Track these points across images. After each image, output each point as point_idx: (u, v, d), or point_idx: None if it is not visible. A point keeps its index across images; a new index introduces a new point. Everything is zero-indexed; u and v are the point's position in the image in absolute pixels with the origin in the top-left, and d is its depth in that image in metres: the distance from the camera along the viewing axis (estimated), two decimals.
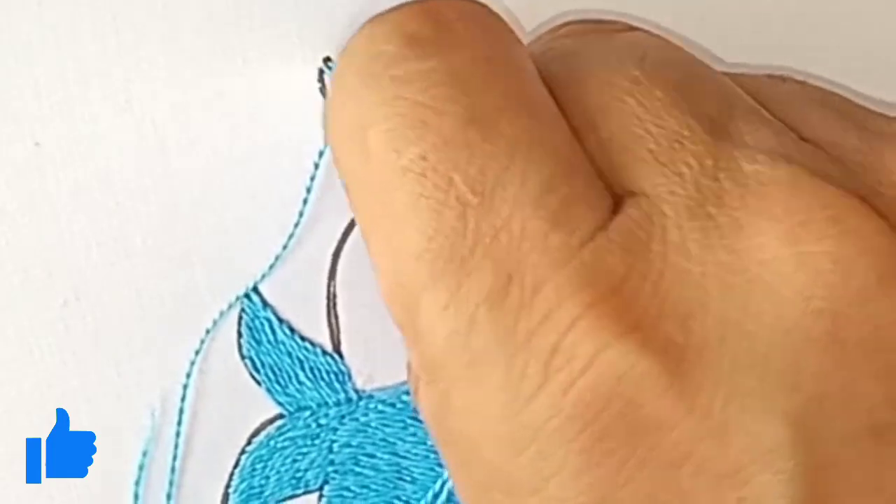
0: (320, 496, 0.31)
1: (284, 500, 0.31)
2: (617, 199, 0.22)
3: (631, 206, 0.21)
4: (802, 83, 0.25)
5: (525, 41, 0.26)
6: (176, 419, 0.30)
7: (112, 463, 0.30)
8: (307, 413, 0.30)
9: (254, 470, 0.30)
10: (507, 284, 0.21)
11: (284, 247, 0.29)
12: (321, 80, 0.29)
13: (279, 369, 0.30)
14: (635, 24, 0.26)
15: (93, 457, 0.30)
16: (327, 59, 0.29)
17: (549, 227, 0.21)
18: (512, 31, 0.24)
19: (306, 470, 0.30)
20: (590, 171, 0.22)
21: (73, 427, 0.29)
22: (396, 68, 0.22)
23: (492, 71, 0.22)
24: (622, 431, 0.20)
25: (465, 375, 0.21)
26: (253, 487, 0.30)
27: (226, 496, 0.30)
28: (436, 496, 0.31)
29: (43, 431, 0.29)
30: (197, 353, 0.29)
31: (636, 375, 0.20)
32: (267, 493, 0.30)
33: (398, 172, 0.22)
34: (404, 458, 0.31)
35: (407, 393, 0.31)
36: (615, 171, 0.22)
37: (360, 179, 0.23)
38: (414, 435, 0.31)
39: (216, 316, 0.29)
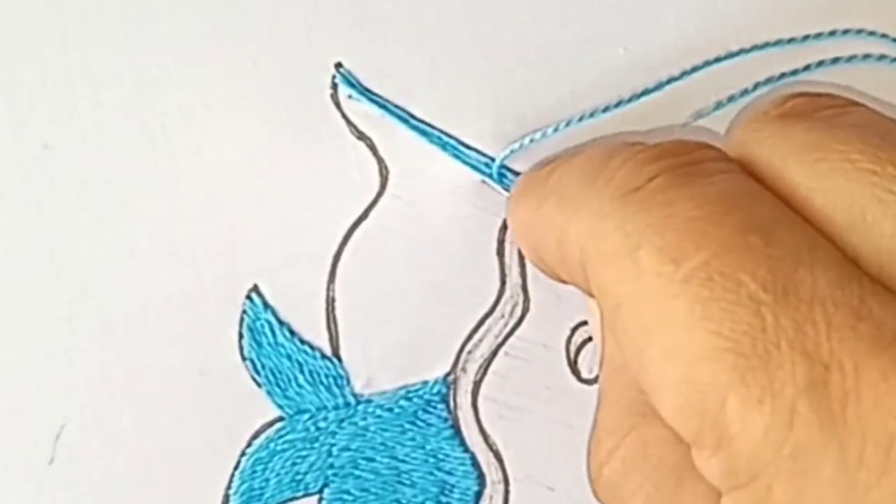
0: (320, 499, 0.31)
1: (284, 502, 0.31)
2: None
3: None
4: None
5: None
6: (180, 418, 0.30)
7: (112, 461, 0.30)
8: (306, 416, 0.31)
9: (254, 472, 0.30)
10: (825, 373, 0.21)
11: None
12: (333, 87, 0.30)
13: (279, 372, 0.30)
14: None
15: (96, 453, 0.30)
16: (338, 65, 0.30)
17: (856, 320, 0.21)
18: None
19: (306, 473, 0.31)
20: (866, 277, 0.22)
21: (77, 424, 0.30)
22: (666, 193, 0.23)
23: (752, 189, 0.23)
24: None
25: (791, 469, 0.21)
26: (253, 489, 0.31)
27: (226, 498, 0.30)
28: (435, 501, 0.31)
29: (48, 429, 0.30)
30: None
31: None
32: (267, 496, 0.31)
33: (679, 282, 0.22)
34: (403, 462, 0.31)
35: (405, 398, 0.31)
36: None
37: (631, 296, 0.23)
38: (412, 440, 0.31)
39: (221, 315, 0.30)
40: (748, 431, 0.21)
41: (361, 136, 0.30)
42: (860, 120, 0.24)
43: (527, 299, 0.31)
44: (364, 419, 0.31)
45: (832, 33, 0.31)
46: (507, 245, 0.30)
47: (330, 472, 0.31)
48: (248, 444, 0.30)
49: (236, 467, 0.30)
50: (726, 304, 0.21)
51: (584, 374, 0.31)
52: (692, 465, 0.23)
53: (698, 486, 0.23)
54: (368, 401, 0.31)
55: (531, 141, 0.30)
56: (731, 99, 0.31)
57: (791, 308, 0.21)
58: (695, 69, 0.31)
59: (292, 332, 0.30)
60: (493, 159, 0.30)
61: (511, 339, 0.31)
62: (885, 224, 0.22)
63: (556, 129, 0.30)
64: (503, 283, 0.31)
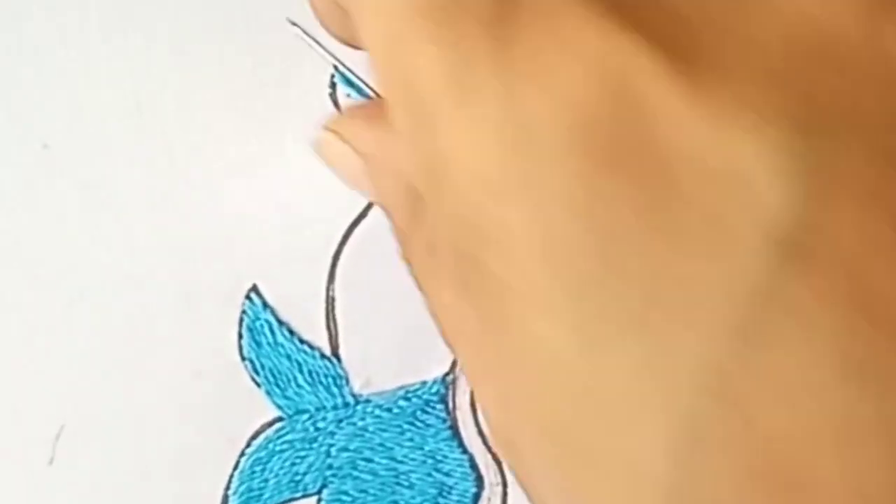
0: (318, 500, 0.31)
1: (283, 502, 0.31)
2: None
3: None
4: None
5: None
6: (180, 418, 0.30)
7: (112, 461, 0.30)
8: (305, 416, 0.31)
9: (253, 472, 0.30)
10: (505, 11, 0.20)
11: None
12: (332, 86, 0.30)
13: (278, 372, 0.30)
14: None
15: (95, 453, 0.30)
16: (337, 66, 0.30)
17: None
18: None
19: (305, 473, 0.31)
20: None
21: (77, 424, 0.30)
22: None
23: None
24: (616, 127, 0.19)
25: (459, 97, 0.20)
26: (252, 490, 0.31)
27: (225, 498, 0.30)
28: (433, 501, 0.31)
29: (47, 428, 0.30)
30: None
31: (640, 71, 0.20)
32: (266, 496, 0.31)
33: None
34: (402, 462, 0.31)
35: (404, 398, 0.31)
36: None
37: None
38: (411, 440, 0.31)
39: (220, 316, 0.30)
40: (424, 70, 0.21)
41: None
42: None
43: None
44: (363, 419, 0.31)
45: None
46: None
47: (329, 472, 0.31)
48: (248, 445, 0.30)
49: (235, 467, 0.30)
50: None
51: None
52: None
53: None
54: (367, 401, 0.31)
55: None
56: None
57: None
58: None
59: (292, 332, 0.30)
60: None
61: None
62: None
63: None
64: None
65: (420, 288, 0.25)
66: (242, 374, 0.30)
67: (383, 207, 0.26)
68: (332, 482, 0.31)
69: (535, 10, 0.21)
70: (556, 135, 0.20)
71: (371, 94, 0.30)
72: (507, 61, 0.20)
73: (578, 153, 0.20)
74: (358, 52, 0.30)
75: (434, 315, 0.24)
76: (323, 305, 0.31)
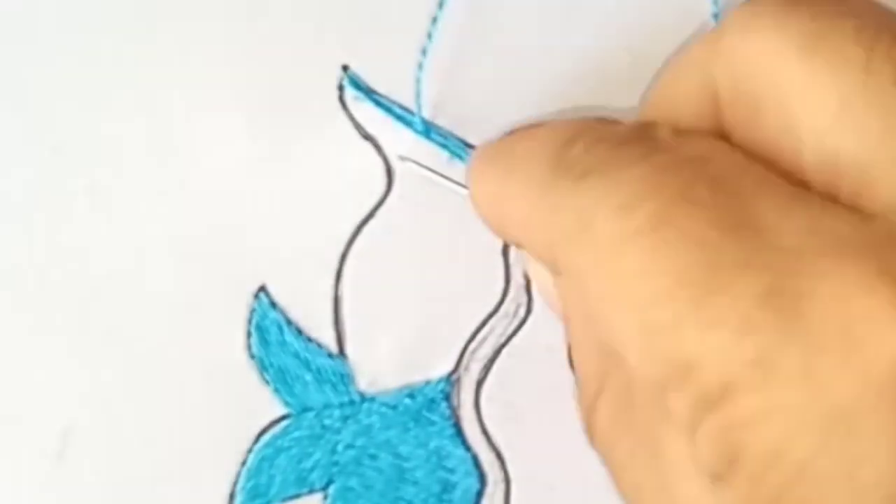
0: (324, 496, 0.31)
1: (289, 499, 0.31)
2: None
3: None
4: None
5: None
6: (188, 415, 0.30)
7: (120, 458, 0.30)
8: (312, 414, 0.31)
9: (260, 469, 0.31)
10: (777, 281, 0.21)
11: None
12: (340, 89, 0.30)
13: (286, 370, 0.31)
14: None
15: (104, 451, 0.30)
16: (345, 67, 0.30)
17: (804, 236, 0.21)
18: None
19: (311, 470, 0.31)
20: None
21: (85, 421, 0.30)
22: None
23: (703, 149, 0.24)
24: None
25: (754, 376, 0.21)
26: (259, 486, 0.31)
27: (232, 494, 0.31)
28: (437, 498, 0.31)
29: (57, 427, 0.30)
30: None
31: None
32: (272, 493, 0.31)
33: (630, 235, 0.23)
34: (406, 460, 0.31)
35: (409, 396, 0.31)
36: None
37: (591, 263, 0.24)
38: (415, 438, 0.31)
39: (229, 314, 0.30)
40: (708, 354, 0.21)
41: (368, 136, 0.31)
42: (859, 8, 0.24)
43: (530, 300, 0.31)
44: (368, 417, 0.31)
45: None
46: (511, 246, 0.31)
47: (334, 469, 0.31)
48: (255, 441, 0.31)
49: (243, 464, 0.31)
50: (674, 247, 0.22)
51: None
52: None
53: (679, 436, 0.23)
54: (373, 399, 0.31)
55: None
56: None
57: (738, 238, 0.22)
58: None
59: (299, 331, 0.31)
60: None
61: (514, 340, 0.31)
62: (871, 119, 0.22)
63: None
64: (507, 283, 0.31)
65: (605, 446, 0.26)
66: (250, 373, 0.31)
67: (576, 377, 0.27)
68: (337, 478, 0.31)
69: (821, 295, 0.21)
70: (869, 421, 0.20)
71: (378, 97, 0.31)
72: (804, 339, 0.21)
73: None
74: (363, 53, 0.30)
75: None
76: (330, 305, 0.31)
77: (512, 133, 0.29)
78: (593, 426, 0.27)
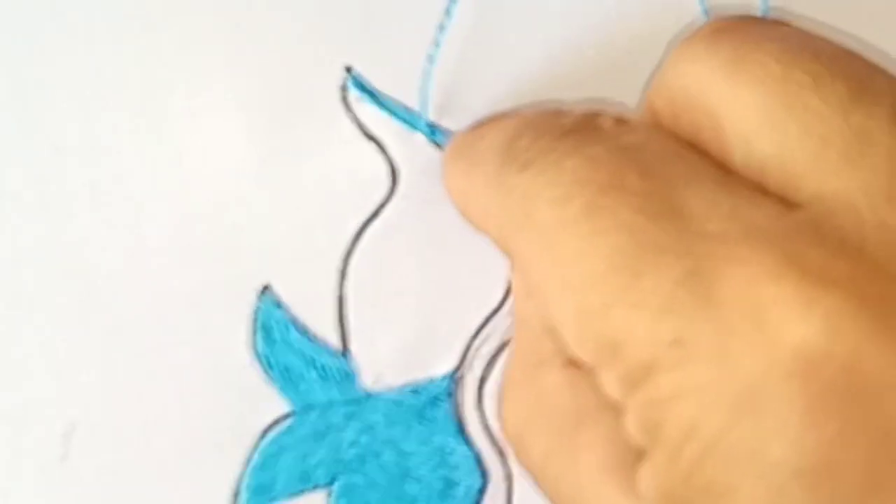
0: (329, 493, 0.31)
1: (294, 496, 0.31)
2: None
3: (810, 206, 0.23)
4: None
5: None
6: (193, 413, 0.31)
7: (124, 457, 0.31)
8: (316, 412, 0.31)
9: (264, 466, 0.31)
10: (697, 265, 0.22)
11: None
12: (343, 88, 0.30)
13: (290, 368, 0.31)
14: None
15: (107, 450, 0.30)
16: (349, 69, 0.30)
17: (726, 223, 0.23)
18: None
19: (315, 467, 0.31)
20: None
21: (89, 420, 0.30)
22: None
23: (642, 139, 0.25)
24: (841, 392, 0.20)
25: (673, 355, 0.22)
26: (263, 484, 0.31)
27: (237, 492, 0.31)
28: (440, 495, 0.32)
29: (60, 427, 0.30)
30: None
31: (853, 334, 0.21)
32: (277, 489, 0.31)
33: (567, 223, 0.24)
34: (409, 457, 0.32)
35: (412, 394, 0.32)
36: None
37: (533, 250, 0.25)
38: (419, 435, 0.32)
39: (233, 313, 0.30)
40: (633, 334, 0.22)
41: (372, 136, 0.31)
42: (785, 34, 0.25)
43: None
44: (372, 414, 0.31)
45: None
46: None
47: (339, 466, 0.31)
48: (259, 439, 0.31)
49: (247, 462, 0.31)
50: (606, 233, 0.23)
51: None
52: (589, 407, 0.25)
53: (597, 429, 0.25)
54: (377, 396, 0.31)
55: None
56: None
57: (664, 223, 0.23)
58: None
59: (304, 330, 0.31)
60: None
61: None
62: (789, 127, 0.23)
63: None
64: (510, 281, 0.31)
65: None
66: (255, 371, 0.31)
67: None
68: (341, 475, 0.31)
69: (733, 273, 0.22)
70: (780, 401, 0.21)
71: (382, 98, 0.31)
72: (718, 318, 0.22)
73: (807, 424, 0.21)
74: (368, 55, 0.30)
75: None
76: (334, 303, 0.31)
77: (479, 123, 0.30)
78: (506, 427, 0.28)
